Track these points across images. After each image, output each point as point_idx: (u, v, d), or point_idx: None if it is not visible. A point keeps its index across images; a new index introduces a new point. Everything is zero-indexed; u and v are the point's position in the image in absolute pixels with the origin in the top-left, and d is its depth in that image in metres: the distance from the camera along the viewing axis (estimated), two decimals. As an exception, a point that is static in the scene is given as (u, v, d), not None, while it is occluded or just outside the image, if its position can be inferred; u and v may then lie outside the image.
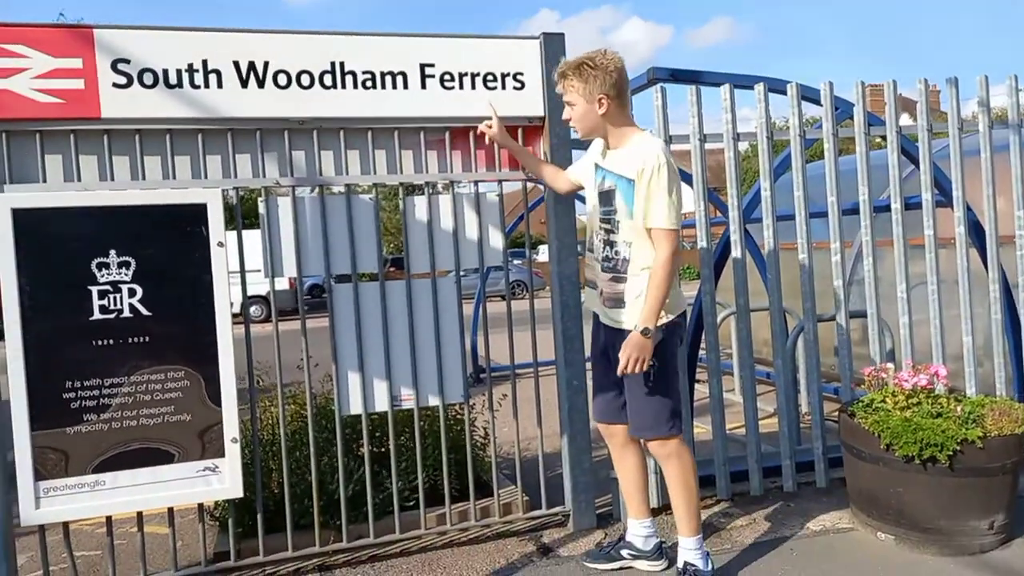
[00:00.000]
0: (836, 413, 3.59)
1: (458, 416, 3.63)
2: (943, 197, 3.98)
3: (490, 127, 3.02)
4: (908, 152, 3.93)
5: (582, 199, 4.59)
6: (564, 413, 3.24)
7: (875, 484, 3.12)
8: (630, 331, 2.59)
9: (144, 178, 2.72)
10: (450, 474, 3.16)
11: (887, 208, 3.90)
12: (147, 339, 2.63)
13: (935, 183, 3.88)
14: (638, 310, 2.59)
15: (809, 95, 3.77)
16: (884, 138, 3.93)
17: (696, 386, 4.02)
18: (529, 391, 3.32)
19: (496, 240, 3.17)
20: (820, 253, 3.87)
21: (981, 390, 3.85)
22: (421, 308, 3.06)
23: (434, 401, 3.10)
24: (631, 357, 2.53)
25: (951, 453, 2.89)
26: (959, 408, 3.13)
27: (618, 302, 2.69)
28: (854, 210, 3.90)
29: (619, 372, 2.58)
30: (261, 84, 2.79)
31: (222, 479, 2.72)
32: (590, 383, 3.08)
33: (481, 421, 3.64)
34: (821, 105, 3.78)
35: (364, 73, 2.91)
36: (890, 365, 3.45)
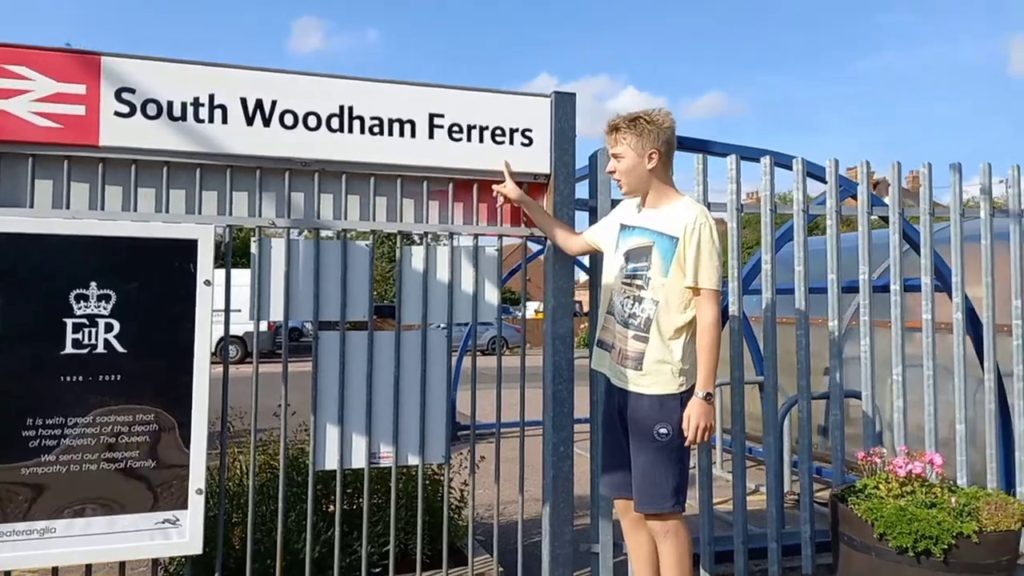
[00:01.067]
0: (823, 495, 3.50)
1: (435, 476, 3.50)
2: (939, 282, 3.97)
3: (504, 185, 3.00)
4: (906, 235, 3.93)
5: (581, 265, 4.59)
6: (548, 480, 3.12)
7: (866, 574, 3.01)
8: (642, 394, 2.60)
9: (136, 210, 2.63)
10: (423, 539, 3.01)
11: (884, 289, 3.87)
12: (119, 377, 2.50)
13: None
14: (658, 375, 2.57)
15: (814, 171, 3.77)
16: (883, 218, 3.93)
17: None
18: (507, 451, 3.19)
19: (491, 295, 3.09)
20: (812, 329, 3.81)
21: (969, 479, 3.78)
22: (409, 361, 2.96)
23: (414, 460, 2.97)
24: (699, 426, 2.52)
25: (946, 547, 2.81)
26: (953, 499, 3.05)
27: (637, 363, 2.63)
28: (850, 288, 3.88)
29: (687, 443, 2.57)
30: (267, 123, 2.73)
31: (182, 532, 2.56)
32: (578, 450, 2.98)
33: (458, 482, 3.51)
34: (825, 182, 3.79)
35: (372, 119, 2.87)
36: (883, 449, 3.38)
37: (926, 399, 3.77)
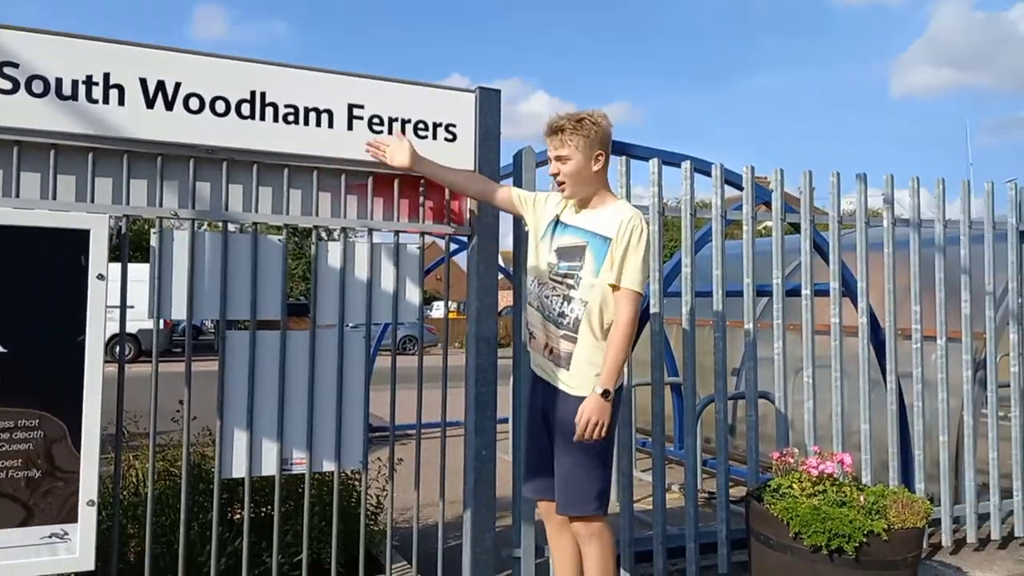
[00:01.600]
0: (735, 493, 3.56)
1: (349, 482, 3.36)
2: (844, 288, 4.12)
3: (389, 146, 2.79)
4: (815, 242, 4.06)
5: (503, 271, 4.51)
6: (469, 485, 3.03)
7: (781, 572, 3.07)
8: (569, 394, 2.55)
9: (18, 196, 2.39)
10: (338, 547, 2.87)
11: (796, 292, 3.99)
12: (-3, 380, 2.26)
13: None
14: (586, 377, 2.52)
15: (731, 178, 3.84)
16: (794, 225, 4.05)
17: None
18: (425, 452, 3.08)
19: (412, 294, 2.98)
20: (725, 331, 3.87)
21: (871, 477, 3.93)
22: (325, 362, 2.81)
23: (329, 466, 2.83)
24: (591, 421, 2.44)
25: (857, 544, 2.88)
26: (862, 497, 3.15)
27: (566, 363, 2.59)
28: (763, 292, 3.97)
29: (576, 438, 2.47)
30: (169, 106, 2.53)
31: (71, 548, 2.33)
32: (499, 452, 2.90)
33: (375, 488, 3.37)
34: (741, 188, 3.86)
35: (287, 107, 2.71)
36: (795, 449, 3.46)
37: (833, 400, 3.90)
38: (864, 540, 2.88)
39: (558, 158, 2.61)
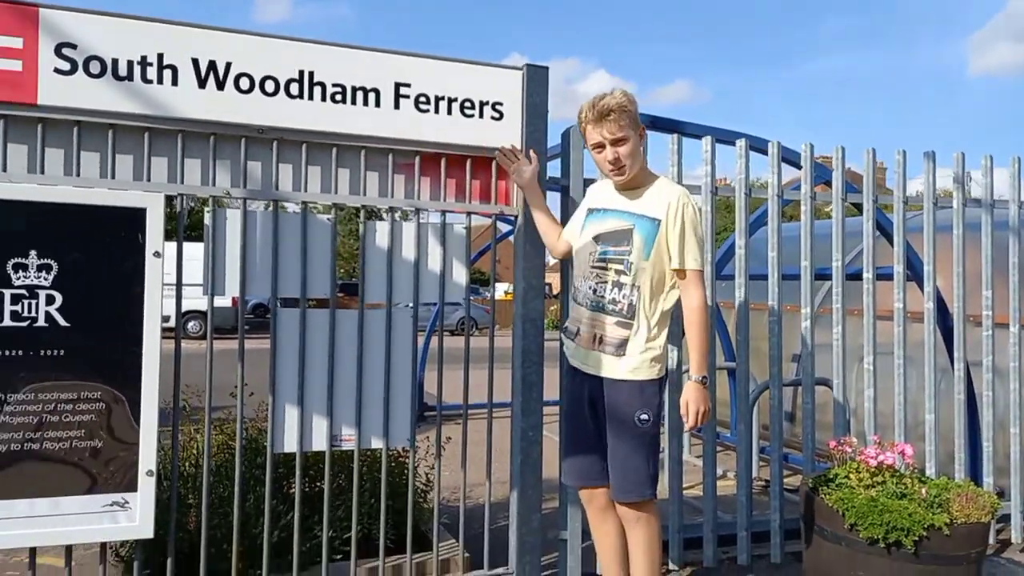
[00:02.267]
0: (791, 482, 3.46)
1: (400, 459, 3.39)
2: (910, 271, 3.94)
3: (515, 162, 2.91)
4: (879, 223, 3.89)
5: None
6: (516, 466, 3.02)
7: (835, 564, 2.97)
8: (623, 380, 2.51)
9: (79, 175, 2.46)
10: (387, 523, 2.90)
11: (857, 276, 3.83)
12: (62, 352, 2.35)
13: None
14: (643, 361, 2.49)
15: (788, 156, 3.71)
16: (856, 206, 3.89)
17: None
18: (475, 434, 3.09)
19: (459, 274, 2.97)
20: (784, 316, 3.76)
21: (937, 468, 3.77)
22: (373, 341, 2.83)
23: (377, 444, 2.86)
24: (699, 411, 2.46)
25: (917, 538, 2.77)
26: (924, 490, 3.02)
27: (619, 349, 2.52)
28: (821, 276, 3.83)
29: (688, 428, 2.54)
30: (221, 86, 2.57)
31: (131, 516, 2.42)
32: (548, 433, 2.88)
33: (424, 467, 3.40)
34: (800, 167, 3.73)
35: (334, 86, 2.72)
36: (853, 439, 3.34)
37: (896, 388, 3.75)
38: (924, 534, 2.76)
39: (616, 141, 2.50)
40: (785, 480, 3.92)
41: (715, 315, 4.66)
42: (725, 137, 3.59)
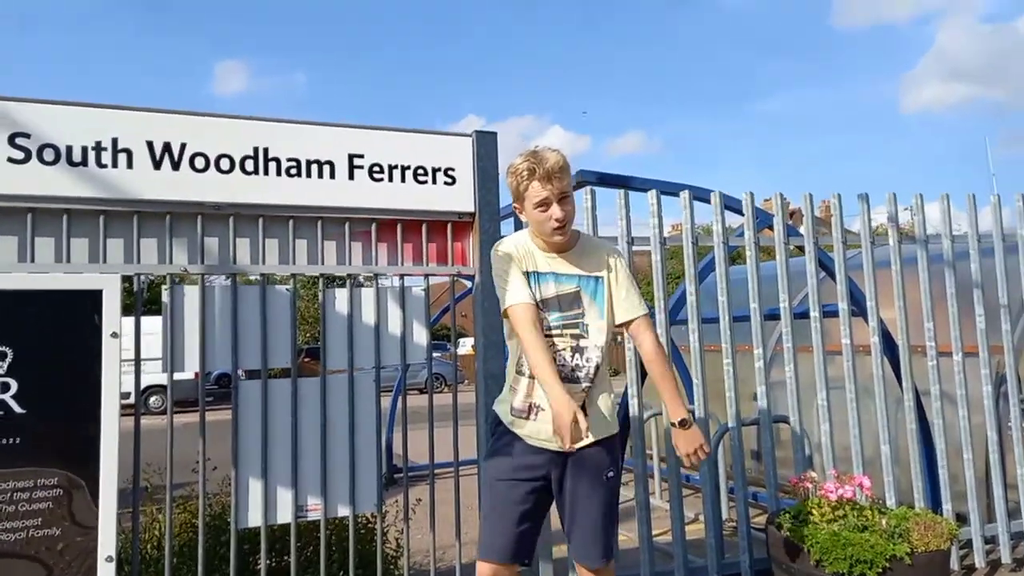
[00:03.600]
0: (760, 520, 3.52)
1: (369, 526, 3.36)
2: (854, 307, 4.11)
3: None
4: (821, 262, 4.07)
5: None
6: (486, 524, 3.02)
7: (805, 601, 3.02)
8: (592, 441, 2.35)
9: (33, 260, 2.48)
10: (358, 593, 2.87)
11: (803, 316, 3.98)
12: (17, 440, 2.32)
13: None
14: (612, 412, 2.45)
15: (731, 204, 3.87)
16: (799, 247, 4.06)
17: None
18: (447, 493, 3.09)
19: (420, 335, 3.03)
20: (739, 356, 3.87)
21: (897, 498, 3.86)
22: (336, 407, 2.85)
23: (344, 511, 2.85)
24: (698, 452, 2.38)
25: (880, 570, 2.84)
26: (884, 521, 3.10)
27: (589, 410, 2.39)
28: (771, 315, 3.97)
29: (687, 468, 2.46)
30: (176, 166, 2.63)
31: (92, 605, 2.36)
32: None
33: (394, 531, 3.37)
34: (742, 214, 3.89)
35: (289, 160, 2.80)
36: (812, 473, 3.43)
37: (851, 421, 3.86)
38: (887, 565, 2.83)
39: (563, 199, 2.32)
40: (755, 519, 3.98)
41: (676, 358, 4.77)
42: (670, 189, 3.74)
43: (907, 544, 2.92)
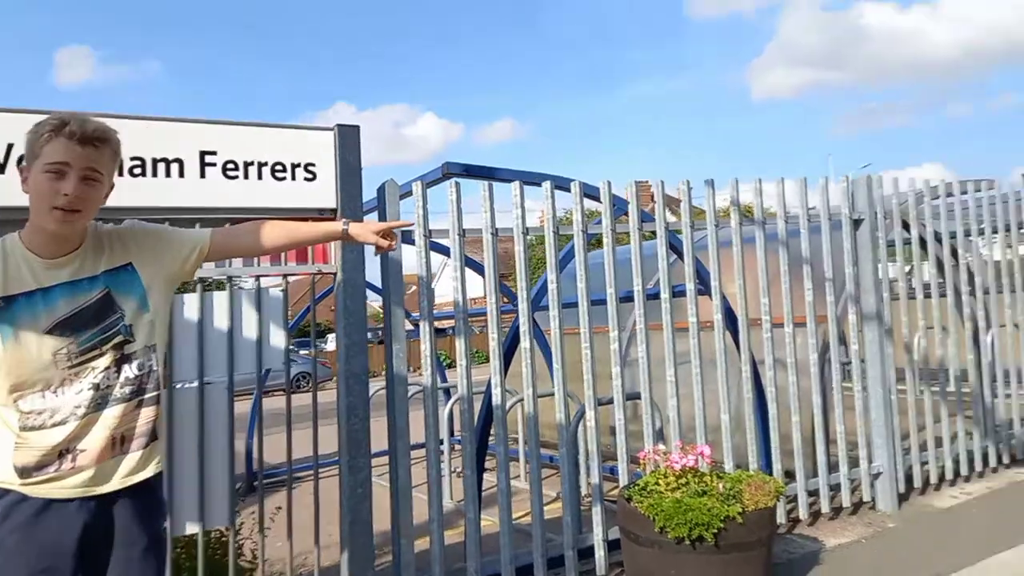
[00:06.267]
0: (615, 494, 3.77)
1: (222, 539, 3.31)
2: (702, 286, 4.43)
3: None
4: (672, 245, 4.34)
5: (376, 289, 4.53)
6: (345, 526, 3.05)
7: (651, 567, 3.29)
8: (147, 479, 1.86)
9: None
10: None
11: (656, 296, 4.25)
12: None
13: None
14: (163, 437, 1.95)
15: (590, 192, 4.04)
16: (653, 232, 4.31)
17: (484, 475, 4.02)
18: (308, 496, 3.10)
19: (278, 338, 2.98)
20: (599, 337, 4.09)
21: (735, 461, 4.26)
22: (184, 421, 2.77)
23: (192, 528, 2.79)
24: (375, 231, 2.12)
25: (716, 531, 3.11)
26: (721, 485, 3.40)
27: (152, 434, 1.87)
28: (628, 297, 4.21)
29: (388, 245, 2.13)
30: (2, 169, 2.43)
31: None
32: (381, 482, 2.91)
33: (249, 545, 3.33)
34: (601, 202, 4.07)
35: (132, 160, 2.66)
36: (662, 446, 3.71)
37: (696, 394, 4.19)
38: (722, 526, 3.11)
39: (92, 177, 1.75)
40: (610, 493, 4.25)
41: (541, 342, 4.96)
42: (533, 180, 3.85)
43: (739, 504, 3.21)
